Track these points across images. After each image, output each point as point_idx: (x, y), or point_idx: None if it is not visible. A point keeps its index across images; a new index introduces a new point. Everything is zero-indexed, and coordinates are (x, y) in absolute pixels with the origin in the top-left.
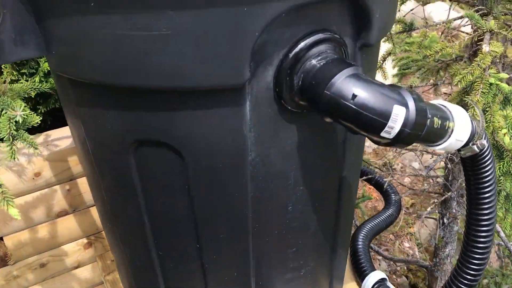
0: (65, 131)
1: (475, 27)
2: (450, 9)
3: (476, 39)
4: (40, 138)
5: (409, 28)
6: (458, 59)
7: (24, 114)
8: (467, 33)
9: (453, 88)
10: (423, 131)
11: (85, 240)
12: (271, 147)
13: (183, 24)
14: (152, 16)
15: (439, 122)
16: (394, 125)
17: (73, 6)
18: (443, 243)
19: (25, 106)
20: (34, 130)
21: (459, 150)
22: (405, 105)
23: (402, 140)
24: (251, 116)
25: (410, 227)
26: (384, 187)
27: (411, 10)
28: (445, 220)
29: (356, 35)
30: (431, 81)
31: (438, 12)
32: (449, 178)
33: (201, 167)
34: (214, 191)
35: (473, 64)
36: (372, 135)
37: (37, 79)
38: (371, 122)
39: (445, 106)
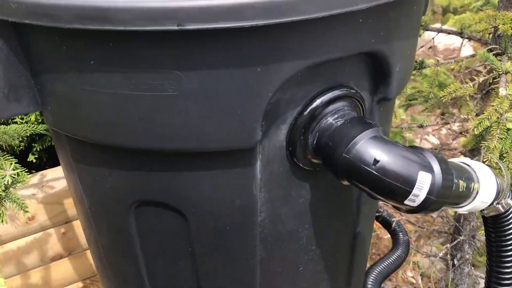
0: (61, 171)
1: (489, 67)
2: (462, 45)
3: (491, 81)
4: (35, 178)
5: (419, 66)
6: (470, 97)
7: (14, 173)
8: (477, 72)
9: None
10: (449, 197)
11: (80, 284)
12: (282, 207)
13: (191, 85)
14: (158, 76)
15: (464, 185)
16: (419, 193)
17: (71, 63)
18: (453, 286)
19: (16, 163)
20: (29, 167)
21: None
22: (431, 170)
23: (426, 208)
24: (261, 175)
25: (413, 256)
26: (392, 226)
27: (421, 47)
28: (456, 262)
29: (374, 89)
30: (439, 114)
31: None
32: (461, 220)
33: (206, 229)
34: (220, 254)
35: (489, 109)
36: (394, 202)
37: (32, 117)
38: (394, 190)
39: (469, 166)
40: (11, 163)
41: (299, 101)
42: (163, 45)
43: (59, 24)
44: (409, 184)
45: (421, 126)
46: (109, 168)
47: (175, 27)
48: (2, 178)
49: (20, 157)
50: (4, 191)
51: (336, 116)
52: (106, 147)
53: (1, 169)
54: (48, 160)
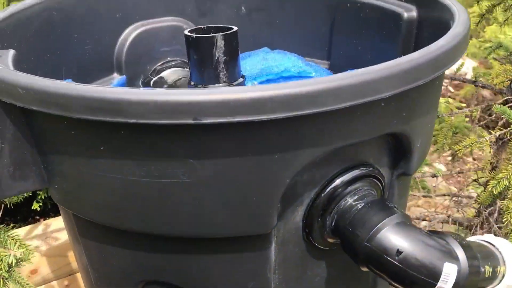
0: None
1: (505, 120)
2: (476, 92)
3: (508, 135)
4: (38, 228)
5: None
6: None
7: (19, 252)
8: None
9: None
10: (475, 285)
11: None
12: (297, 287)
13: (205, 172)
14: (171, 164)
15: (490, 270)
16: (445, 285)
17: (80, 148)
18: None
19: (20, 240)
20: (33, 214)
21: None
22: (456, 260)
23: None
24: (276, 257)
25: None
26: None
27: None
28: None
29: (394, 165)
30: (451, 159)
31: None
32: None
33: None
34: None
35: (508, 168)
36: None
37: None
38: (417, 282)
39: (493, 245)
40: (16, 241)
41: (317, 182)
42: (177, 135)
43: (68, 114)
44: (434, 277)
45: (434, 176)
46: (116, 247)
47: (191, 121)
48: (7, 258)
49: (25, 204)
50: (7, 271)
51: (356, 197)
52: (113, 228)
53: (5, 247)
54: (52, 207)
